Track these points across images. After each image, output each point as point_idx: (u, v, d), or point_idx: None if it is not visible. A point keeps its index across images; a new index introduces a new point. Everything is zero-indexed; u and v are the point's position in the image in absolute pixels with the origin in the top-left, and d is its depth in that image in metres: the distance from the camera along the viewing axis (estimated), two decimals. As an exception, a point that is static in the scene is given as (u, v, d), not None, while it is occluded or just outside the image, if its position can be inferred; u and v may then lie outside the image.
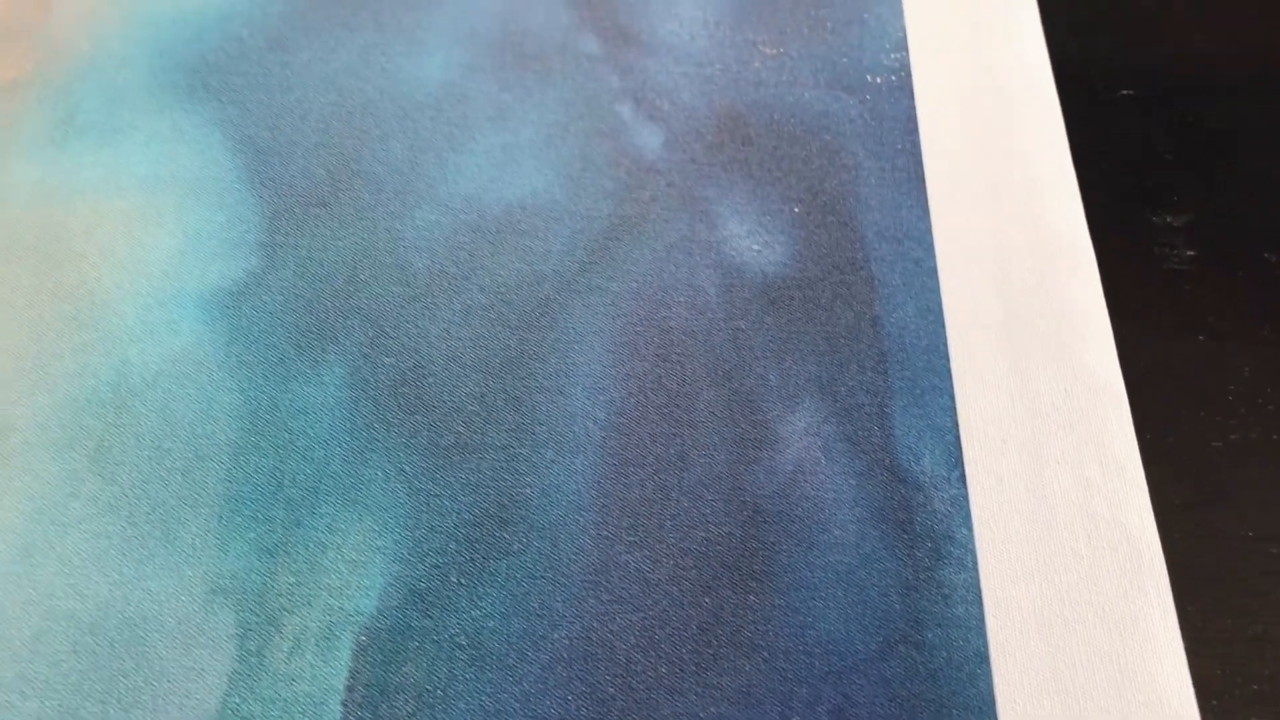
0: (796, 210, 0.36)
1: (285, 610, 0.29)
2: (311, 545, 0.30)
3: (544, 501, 0.30)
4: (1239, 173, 0.38)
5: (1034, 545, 0.30)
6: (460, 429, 0.32)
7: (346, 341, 0.33)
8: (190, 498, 0.30)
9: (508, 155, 0.37)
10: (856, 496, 0.30)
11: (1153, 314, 0.35)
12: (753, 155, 0.37)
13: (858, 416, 0.32)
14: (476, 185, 0.36)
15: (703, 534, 0.30)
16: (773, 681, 0.28)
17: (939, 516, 0.30)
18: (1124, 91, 0.40)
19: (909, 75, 0.39)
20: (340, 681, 0.28)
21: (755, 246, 0.35)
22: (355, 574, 0.29)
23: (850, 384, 0.32)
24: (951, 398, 0.32)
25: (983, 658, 0.28)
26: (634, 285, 0.34)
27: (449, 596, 0.29)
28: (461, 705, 0.28)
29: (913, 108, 0.38)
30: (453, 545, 0.30)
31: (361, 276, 0.34)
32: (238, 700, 0.28)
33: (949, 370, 0.32)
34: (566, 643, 0.28)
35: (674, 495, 0.31)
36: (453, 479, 0.31)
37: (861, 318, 0.33)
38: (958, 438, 0.31)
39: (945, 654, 0.28)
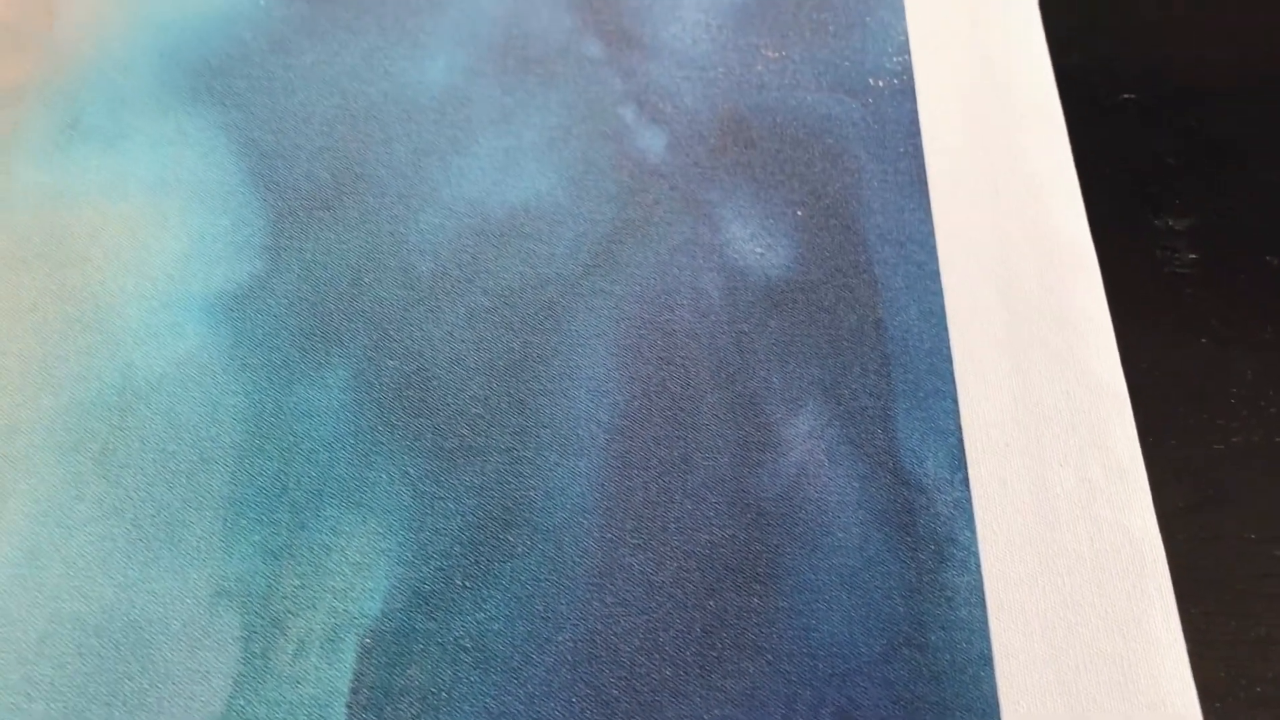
0: (799, 213, 0.36)
1: (290, 613, 0.29)
2: (316, 548, 0.30)
3: (548, 504, 0.30)
4: (1241, 177, 0.38)
5: (1037, 548, 0.30)
6: (464, 432, 0.32)
7: (351, 344, 0.33)
8: (195, 500, 0.30)
9: (511, 158, 0.37)
10: (860, 499, 0.30)
11: (1155, 317, 0.35)
12: (755, 158, 0.37)
13: (861, 419, 0.32)
14: (480, 188, 0.36)
15: (706, 536, 0.30)
16: (776, 684, 0.28)
17: (942, 519, 0.30)
18: (1126, 96, 0.40)
19: (911, 79, 0.39)
20: (345, 684, 0.28)
21: (758, 249, 0.35)
22: (360, 576, 0.29)
23: (853, 387, 0.32)
24: (954, 401, 0.32)
25: (986, 660, 0.28)
26: (637, 288, 0.34)
27: (453, 599, 0.29)
28: (466, 707, 0.28)
29: (915, 111, 0.38)
30: (457, 548, 0.30)
31: (365, 280, 0.34)
32: (242, 702, 0.28)
33: (952, 373, 0.32)
34: (571, 645, 0.29)
35: (678, 498, 0.31)
36: (457, 481, 0.31)
37: (864, 321, 0.34)
38: (961, 440, 0.31)
39: (949, 656, 0.28)
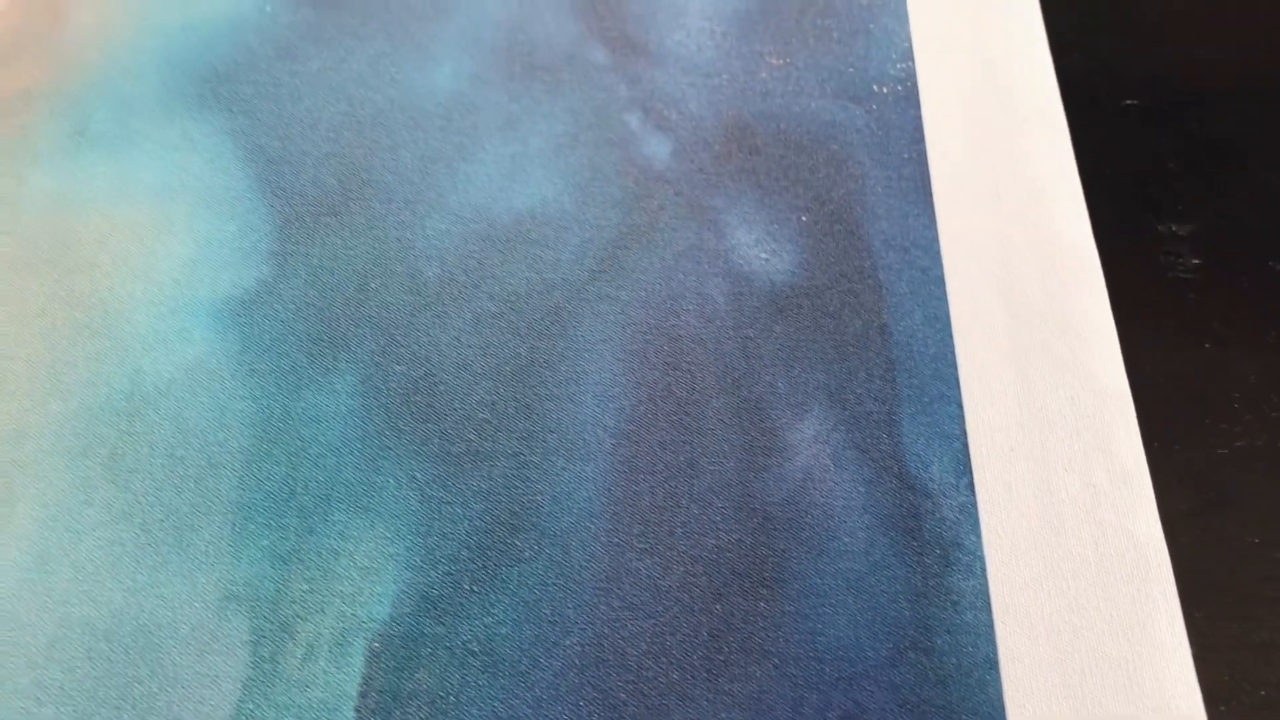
0: (804, 219, 0.36)
1: (298, 617, 0.29)
2: (324, 552, 0.30)
3: (555, 509, 0.31)
4: (1244, 181, 0.38)
5: (1042, 552, 0.30)
6: (471, 436, 0.32)
7: (358, 350, 0.33)
8: (203, 505, 0.31)
9: (517, 165, 0.37)
10: (866, 504, 0.31)
11: (1159, 322, 0.35)
12: (760, 165, 0.37)
13: (866, 424, 0.32)
14: (486, 194, 0.36)
15: (713, 541, 0.30)
16: (783, 688, 0.28)
17: (948, 523, 0.30)
18: (1129, 101, 0.40)
19: (915, 85, 0.39)
20: (353, 688, 0.28)
21: (763, 255, 0.35)
22: (368, 581, 0.30)
23: (859, 392, 0.32)
24: (959, 405, 0.32)
25: (992, 663, 0.28)
26: (643, 294, 0.34)
27: (461, 603, 0.29)
28: (474, 711, 0.28)
29: (919, 117, 0.38)
30: (465, 552, 0.30)
31: (372, 285, 0.35)
32: (251, 706, 0.28)
33: (957, 378, 0.33)
34: (578, 649, 0.29)
35: (684, 502, 0.31)
36: (464, 486, 0.31)
37: (869, 326, 0.34)
38: (966, 445, 0.31)
39: (955, 660, 0.28)
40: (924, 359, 0.33)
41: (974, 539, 0.30)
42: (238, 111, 0.38)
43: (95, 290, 0.34)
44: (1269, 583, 0.31)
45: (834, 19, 0.41)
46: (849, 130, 0.38)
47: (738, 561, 0.30)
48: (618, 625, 0.29)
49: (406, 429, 0.32)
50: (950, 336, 0.33)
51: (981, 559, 0.30)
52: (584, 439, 0.32)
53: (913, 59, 0.40)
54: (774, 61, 0.40)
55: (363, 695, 0.28)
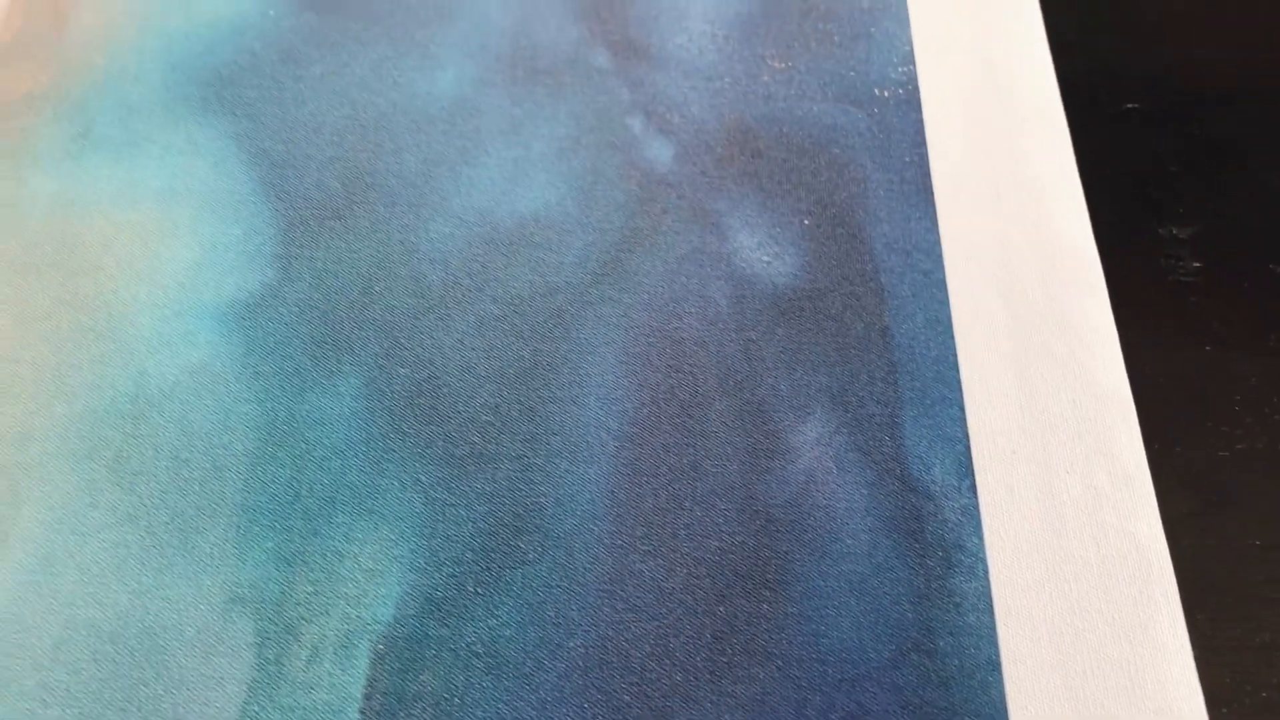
0: (806, 222, 0.36)
1: (303, 619, 0.29)
2: (329, 554, 0.30)
3: (558, 511, 0.31)
4: (1245, 184, 0.38)
5: (1044, 554, 0.30)
6: (475, 439, 0.32)
7: (362, 352, 0.33)
8: (208, 507, 0.31)
9: (519, 168, 0.37)
10: (868, 506, 0.31)
11: (1160, 325, 0.35)
12: (762, 168, 0.37)
13: (868, 426, 0.32)
14: (489, 198, 0.37)
15: (716, 543, 0.30)
16: (786, 689, 0.28)
17: (950, 525, 0.30)
18: (1130, 105, 0.40)
19: (916, 89, 0.39)
20: (358, 689, 0.28)
21: (765, 258, 0.35)
22: (372, 583, 0.30)
23: (861, 394, 0.33)
24: (961, 408, 0.32)
25: (994, 665, 0.28)
26: (646, 296, 0.35)
27: (465, 605, 0.29)
28: (478, 713, 0.28)
29: (920, 121, 0.38)
30: (469, 554, 0.30)
31: (376, 288, 0.35)
32: (256, 708, 0.28)
33: (958, 380, 0.33)
34: (582, 651, 0.29)
35: (687, 504, 0.31)
36: (468, 488, 0.31)
37: (871, 328, 0.34)
38: (968, 447, 0.32)
39: (957, 662, 0.28)
40: (926, 361, 0.33)
41: (976, 541, 0.30)
42: (241, 115, 0.39)
43: (100, 293, 0.34)
44: (1270, 584, 0.31)
45: (835, 23, 0.41)
46: (851, 133, 0.38)
47: (741, 563, 0.30)
48: (621, 627, 0.29)
49: (410, 431, 0.32)
50: (952, 339, 0.34)
51: (984, 561, 0.30)
52: (587, 441, 0.32)
53: (914, 62, 0.40)
54: (776, 65, 0.40)
55: (367, 697, 0.28)
